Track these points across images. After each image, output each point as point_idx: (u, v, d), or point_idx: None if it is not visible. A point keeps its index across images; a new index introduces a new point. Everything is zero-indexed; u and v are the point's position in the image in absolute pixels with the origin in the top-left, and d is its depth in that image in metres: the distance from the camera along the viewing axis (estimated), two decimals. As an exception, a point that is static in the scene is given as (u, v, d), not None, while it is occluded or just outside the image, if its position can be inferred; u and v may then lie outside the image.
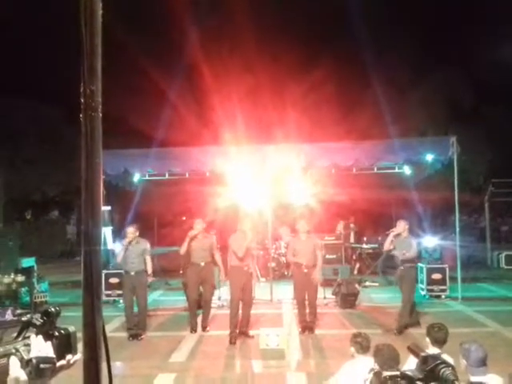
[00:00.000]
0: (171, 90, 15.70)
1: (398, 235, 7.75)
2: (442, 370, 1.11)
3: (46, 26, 17.39)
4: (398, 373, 1.16)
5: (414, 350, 1.19)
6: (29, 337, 1.28)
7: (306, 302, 7.79)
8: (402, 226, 7.76)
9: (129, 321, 7.65)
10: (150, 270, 7.77)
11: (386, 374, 1.16)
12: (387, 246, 7.89)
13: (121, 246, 7.90)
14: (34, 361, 1.19)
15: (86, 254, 1.10)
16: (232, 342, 7.22)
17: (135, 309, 7.75)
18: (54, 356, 1.25)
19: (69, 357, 1.29)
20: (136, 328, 7.55)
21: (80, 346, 1.21)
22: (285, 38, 17.03)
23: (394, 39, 17.73)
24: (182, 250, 7.89)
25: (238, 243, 7.41)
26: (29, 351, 1.23)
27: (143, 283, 7.73)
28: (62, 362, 1.29)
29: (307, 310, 7.80)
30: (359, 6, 17.68)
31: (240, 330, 7.41)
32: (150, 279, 7.91)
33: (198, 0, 15.72)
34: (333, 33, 18.30)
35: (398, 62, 16.72)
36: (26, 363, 1.20)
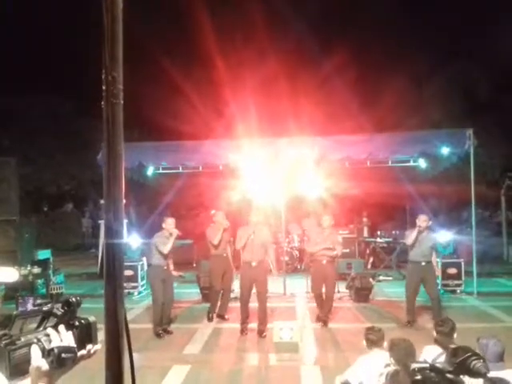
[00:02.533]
0: (185, 82, 15.67)
1: (420, 230, 7.59)
2: (474, 363, 1.09)
3: (59, 18, 17.51)
4: (427, 365, 1.13)
5: (440, 342, 1.16)
6: (50, 327, 1.29)
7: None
8: (425, 221, 7.62)
9: (158, 316, 7.42)
10: (172, 265, 7.85)
11: (415, 365, 1.14)
12: (412, 239, 7.63)
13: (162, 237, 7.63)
14: (55, 350, 1.20)
15: (109, 246, 1.09)
16: (242, 332, 7.28)
17: None
18: (75, 346, 1.26)
19: (89, 346, 1.30)
20: (160, 326, 7.39)
21: (101, 336, 1.21)
22: (299, 29, 16.92)
23: (409, 30, 17.51)
24: (217, 240, 7.97)
25: (238, 237, 7.46)
26: (50, 341, 1.23)
27: (171, 276, 7.81)
28: (83, 352, 1.29)
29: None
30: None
31: (257, 327, 7.34)
32: (176, 273, 7.98)
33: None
34: (348, 24, 18.13)
35: (413, 54, 16.52)
36: (47, 353, 1.21)
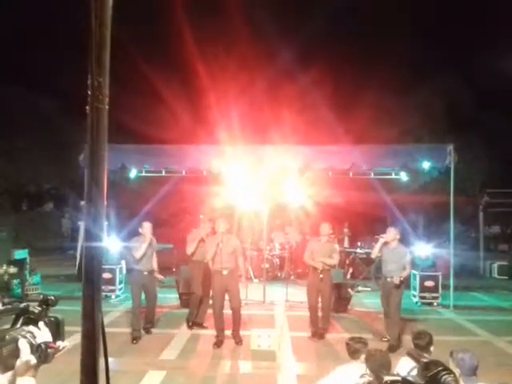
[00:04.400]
0: (168, 88, 15.66)
1: (387, 243, 7.38)
2: (444, 377, 1.11)
3: (45, 14, 17.35)
4: (399, 378, 1.16)
5: (413, 355, 1.19)
6: (28, 324, 1.33)
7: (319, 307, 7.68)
8: (392, 234, 7.35)
9: (137, 321, 7.43)
10: (155, 265, 7.78)
11: (388, 378, 1.16)
12: (375, 253, 7.55)
13: (136, 242, 7.64)
14: (42, 346, 1.26)
15: (88, 249, 1.09)
16: (216, 345, 7.06)
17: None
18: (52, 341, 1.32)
19: (59, 343, 1.35)
20: (138, 332, 7.40)
21: (77, 338, 1.22)
22: (282, 38, 17.03)
23: (393, 42, 17.77)
24: (190, 250, 7.91)
25: (208, 246, 7.35)
26: (34, 337, 1.28)
27: (153, 281, 7.78)
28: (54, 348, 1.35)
29: (320, 315, 7.67)
30: (358, 7, 17.76)
31: (232, 335, 7.27)
32: (160, 277, 7.97)
33: (194, -1, 15.71)
34: (331, 34, 18.31)
35: (397, 66, 16.76)
36: (36, 348, 1.26)
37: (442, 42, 18.90)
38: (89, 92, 1.03)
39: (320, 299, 7.63)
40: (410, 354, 1.26)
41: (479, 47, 18.21)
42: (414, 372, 1.22)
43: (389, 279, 7.22)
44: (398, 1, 17.86)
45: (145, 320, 7.74)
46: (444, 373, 1.11)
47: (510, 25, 17.70)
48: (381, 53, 17.54)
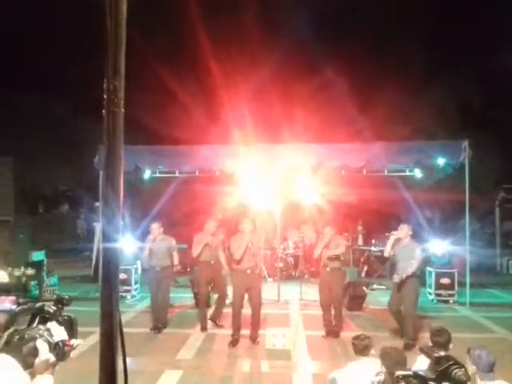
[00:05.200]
0: (181, 87, 15.72)
1: (399, 240, 7.31)
2: (455, 371, 1.12)
3: (56, 18, 17.52)
4: (410, 372, 1.17)
5: (426, 351, 1.19)
6: (44, 322, 1.37)
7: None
8: (404, 231, 7.29)
9: (153, 315, 7.96)
10: (176, 262, 8.20)
11: (399, 373, 1.17)
12: (387, 250, 7.49)
13: (145, 242, 8.12)
14: (60, 344, 1.29)
15: (105, 250, 1.12)
16: (231, 344, 7.10)
17: None
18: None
19: (73, 341, 1.38)
20: (157, 322, 7.82)
21: (95, 338, 1.25)
22: (296, 35, 16.98)
23: (407, 40, 17.62)
24: (195, 253, 7.97)
25: (236, 245, 7.34)
26: (51, 335, 1.31)
27: (167, 278, 8.08)
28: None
29: (332, 313, 7.67)
30: (374, 5, 17.64)
31: (250, 334, 7.28)
32: (175, 269, 8.43)
33: (208, -1, 15.75)
34: (345, 32, 18.22)
35: (411, 64, 16.63)
36: (54, 346, 1.29)
37: (455, 40, 18.68)
38: (104, 96, 1.05)
39: (331, 297, 7.64)
40: (422, 350, 1.27)
41: (493, 45, 17.96)
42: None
43: (403, 276, 7.12)
44: (407, 2, 17.74)
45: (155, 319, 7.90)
46: (454, 367, 1.12)
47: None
48: (394, 51, 17.40)
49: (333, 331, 7.54)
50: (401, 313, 7.30)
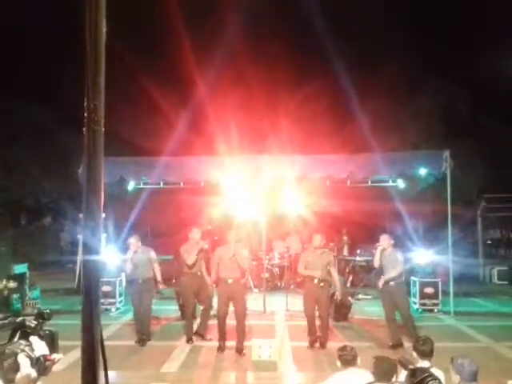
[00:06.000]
0: (165, 99, 15.75)
1: (384, 250, 7.71)
2: (430, 383, 1.15)
3: (44, 29, 17.47)
4: (387, 384, 1.19)
5: (403, 363, 1.22)
6: (25, 337, 1.36)
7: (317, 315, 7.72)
8: (386, 241, 7.72)
9: (137, 326, 7.95)
10: (159, 277, 8.09)
11: (376, 385, 1.19)
12: (377, 262, 7.82)
13: (126, 256, 8.10)
14: (41, 359, 1.29)
15: (86, 263, 1.13)
16: (219, 350, 7.29)
17: None
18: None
19: (54, 355, 1.37)
20: (141, 334, 7.76)
21: (77, 352, 1.25)
22: (279, 49, 17.16)
23: (388, 51, 17.91)
24: (191, 260, 7.90)
25: (218, 256, 7.53)
26: (32, 350, 1.31)
27: (149, 290, 8.01)
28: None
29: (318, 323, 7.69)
30: (354, 18, 17.91)
31: (236, 345, 7.30)
32: (161, 286, 8.35)
33: (192, 11, 15.82)
34: (327, 44, 18.45)
35: (392, 75, 16.87)
36: (35, 361, 1.28)
37: (437, 49, 19.06)
38: (85, 114, 1.08)
39: (317, 308, 7.66)
40: (400, 362, 1.29)
41: (475, 54, 18.35)
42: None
43: (391, 283, 7.51)
44: (394, 9, 18.03)
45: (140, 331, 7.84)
46: (429, 379, 1.14)
47: (506, 28, 17.81)
48: (377, 62, 17.67)
49: (320, 342, 7.55)
50: (395, 320, 7.61)
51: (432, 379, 1.14)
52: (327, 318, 7.81)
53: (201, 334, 8.06)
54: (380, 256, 7.71)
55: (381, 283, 7.59)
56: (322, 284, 7.55)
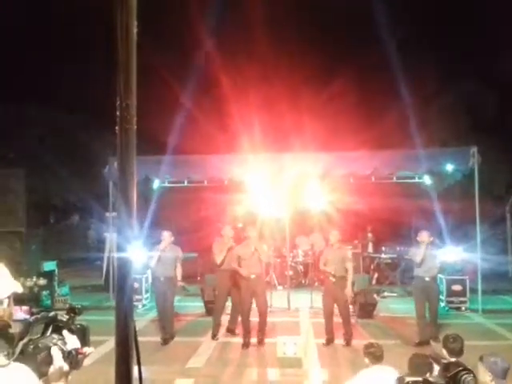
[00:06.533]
0: (189, 97, 15.88)
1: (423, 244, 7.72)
2: (464, 377, 1.14)
3: (69, 35, 17.80)
4: (420, 378, 1.18)
5: (435, 358, 1.21)
6: (58, 331, 1.40)
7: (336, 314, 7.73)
8: (427, 237, 7.71)
9: (164, 323, 7.86)
10: (179, 276, 8.03)
11: (409, 379, 1.19)
12: (420, 257, 7.64)
13: (155, 250, 8.02)
14: (73, 352, 1.32)
15: (120, 260, 1.16)
16: (243, 346, 7.34)
17: None
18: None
19: (85, 349, 1.41)
20: (165, 334, 7.72)
21: (108, 347, 1.28)
22: (304, 45, 17.10)
23: (415, 47, 17.66)
24: (219, 259, 7.98)
25: (238, 253, 7.64)
26: (65, 344, 1.35)
27: (172, 288, 7.98)
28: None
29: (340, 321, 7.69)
30: (382, 14, 17.68)
31: (257, 336, 7.47)
32: (180, 283, 8.19)
33: (214, 10, 15.90)
34: (353, 40, 18.31)
35: (419, 71, 16.64)
36: (67, 355, 1.32)
37: (462, 45, 18.68)
38: (117, 113, 1.10)
39: (337, 306, 7.66)
40: (432, 357, 1.28)
41: (500, 49, 17.92)
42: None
43: (427, 278, 7.60)
44: (422, 6, 17.79)
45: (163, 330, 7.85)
46: (463, 373, 1.13)
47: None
48: (403, 59, 17.43)
49: (344, 339, 7.53)
50: (425, 318, 7.64)
51: (466, 373, 1.13)
52: (348, 314, 7.80)
53: (233, 330, 8.14)
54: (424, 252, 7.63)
55: (427, 277, 7.62)
56: (333, 279, 7.56)
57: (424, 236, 7.70)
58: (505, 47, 17.24)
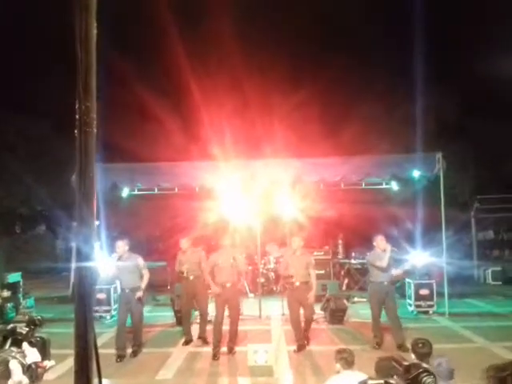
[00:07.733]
0: (159, 104, 15.75)
1: (373, 249, 7.90)
2: (425, 379, 1.15)
3: (34, 39, 17.43)
4: (381, 381, 1.19)
5: (397, 360, 1.22)
6: (17, 344, 1.35)
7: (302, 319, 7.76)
8: (384, 242, 7.78)
9: (119, 340, 7.34)
10: (143, 285, 7.50)
11: (371, 382, 1.19)
12: (386, 262, 7.66)
13: (111, 260, 7.88)
14: (33, 366, 1.28)
15: (79, 269, 1.11)
16: (214, 357, 7.24)
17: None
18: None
19: (46, 362, 1.36)
20: (121, 350, 7.29)
21: (71, 361, 1.24)
22: (273, 53, 17.22)
23: (380, 55, 18.01)
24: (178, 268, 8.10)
25: (214, 261, 7.66)
26: (24, 357, 1.30)
27: (138, 299, 7.49)
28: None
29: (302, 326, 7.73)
30: (347, 21, 18.01)
31: (227, 345, 7.44)
32: (139, 294, 7.44)
33: (185, 15, 15.86)
34: (321, 48, 18.54)
35: (385, 78, 16.96)
36: (27, 368, 1.28)
37: (427, 50, 19.16)
38: (77, 116, 1.06)
39: (303, 309, 7.73)
40: (394, 359, 1.29)
41: (467, 55, 18.49)
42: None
43: (385, 283, 7.62)
44: (386, 15, 18.15)
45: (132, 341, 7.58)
46: (424, 374, 1.14)
47: (494, 28, 17.93)
48: (368, 65, 17.77)
49: (301, 345, 7.59)
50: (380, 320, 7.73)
51: (427, 374, 1.14)
52: (311, 319, 7.91)
53: (204, 338, 8.08)
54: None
55: (397, 272, 7.82)
56: (297, 283, 7.61)
57: (382, 241, 7.76)
58: (468, 51, 17.79)
